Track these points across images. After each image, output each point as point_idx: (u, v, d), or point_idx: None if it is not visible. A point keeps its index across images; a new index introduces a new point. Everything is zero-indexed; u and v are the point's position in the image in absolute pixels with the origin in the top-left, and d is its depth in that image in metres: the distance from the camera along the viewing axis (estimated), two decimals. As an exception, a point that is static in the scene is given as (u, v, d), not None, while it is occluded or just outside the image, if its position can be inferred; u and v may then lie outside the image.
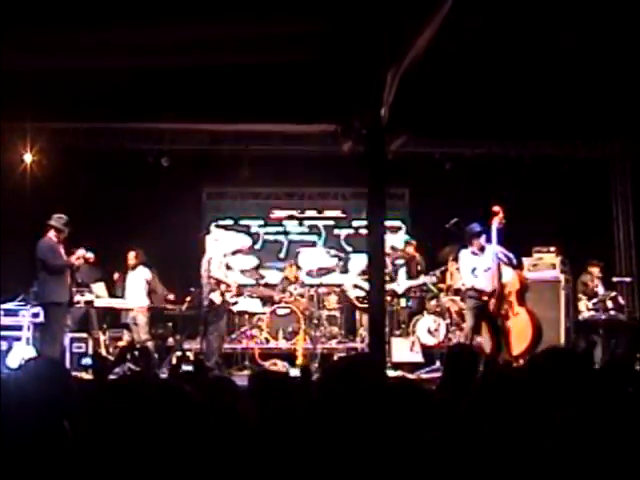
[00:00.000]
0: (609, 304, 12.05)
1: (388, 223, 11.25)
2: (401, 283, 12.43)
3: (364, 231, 12.82)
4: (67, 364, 10.30)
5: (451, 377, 5.56)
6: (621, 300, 12.28)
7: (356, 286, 12.16)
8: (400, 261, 12.64)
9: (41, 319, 11.03)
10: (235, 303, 12.18)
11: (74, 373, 9.75)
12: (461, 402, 4.17)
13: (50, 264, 10.32)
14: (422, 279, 12.50)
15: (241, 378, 11.14)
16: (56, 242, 10.39)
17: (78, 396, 3.66)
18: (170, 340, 12.45)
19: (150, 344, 11.84)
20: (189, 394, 2.51)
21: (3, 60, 8.36)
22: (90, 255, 10.62)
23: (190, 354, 11.48)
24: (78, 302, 11.39)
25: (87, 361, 10.11)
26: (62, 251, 10.42)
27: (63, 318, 10.47)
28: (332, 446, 2.98)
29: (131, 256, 12.26)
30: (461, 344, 9.55)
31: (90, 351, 11.32)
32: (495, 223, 10.50)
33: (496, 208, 10.58)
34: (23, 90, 9.36)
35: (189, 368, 9.38)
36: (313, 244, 14.88)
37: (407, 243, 13.26)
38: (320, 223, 15.12)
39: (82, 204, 12.04)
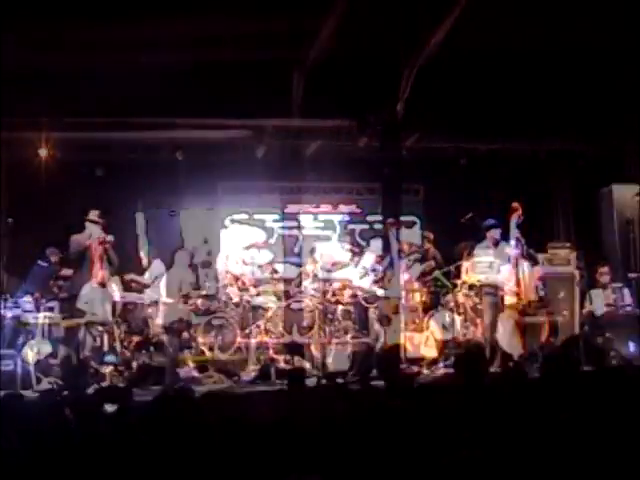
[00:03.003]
0: (622, 299, 12.02)
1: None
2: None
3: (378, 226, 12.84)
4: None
5: (463, 377, 5.59)
6: (629, 295, 12.19)
7: (361, 289, 12.03)
8: (416, 256, 12.56)
9: (57, 314, 11.09)
10: (251, 297, 12.18)
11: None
12: (474, 399, 4.17)
13: (69, 255, 10.51)
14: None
15: (254, 373, 11.27)
16: (87, 236, 10.48)
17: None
18: (185, 334, 12.44)
19: (165, 338, 11.85)
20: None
21: (19, 57, 8.41)
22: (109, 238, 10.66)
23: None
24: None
25: (110, 358, 10.11)
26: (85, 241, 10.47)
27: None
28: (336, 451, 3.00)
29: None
30: (469, 345, 9.54)
31: (106, 346, 11.34)
32: (514, 219, 10.49)
33: (515, 204, 10.57)
34: (38, 86, 9.40)
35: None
36: (328, 239, 14.83)
37: (424, 237, 13.19)
38: (335, 218, 15.08)
39: (97, 198, 12.06)
